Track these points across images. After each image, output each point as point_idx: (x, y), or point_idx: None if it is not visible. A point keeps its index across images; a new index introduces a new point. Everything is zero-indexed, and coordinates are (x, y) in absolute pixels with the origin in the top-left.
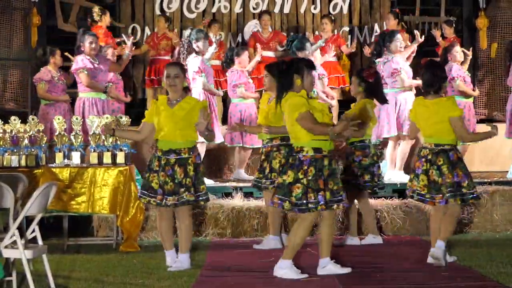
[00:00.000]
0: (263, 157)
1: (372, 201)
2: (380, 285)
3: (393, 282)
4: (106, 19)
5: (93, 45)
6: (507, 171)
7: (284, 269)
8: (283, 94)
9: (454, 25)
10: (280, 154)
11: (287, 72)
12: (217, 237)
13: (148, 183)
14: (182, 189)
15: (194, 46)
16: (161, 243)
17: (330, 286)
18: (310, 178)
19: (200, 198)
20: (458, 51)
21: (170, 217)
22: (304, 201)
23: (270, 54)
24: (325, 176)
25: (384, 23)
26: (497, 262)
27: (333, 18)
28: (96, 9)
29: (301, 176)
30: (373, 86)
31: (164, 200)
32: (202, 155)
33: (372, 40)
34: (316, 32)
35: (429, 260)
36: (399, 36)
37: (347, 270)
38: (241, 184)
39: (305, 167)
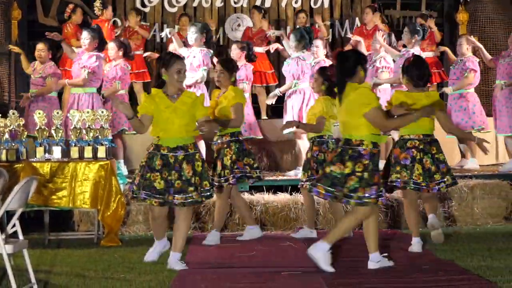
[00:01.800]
0: (215, 154)
1: None
2: (362, 278)
3: (375, 275)
4: (108, 13)
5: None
6: (487, 165)
7: (319, 252)
8: (345, 85)
9: (429, 19)
10: (231, 151)
11: (351, 63)
12: (198, 231)
13: (150, 183)
14: (191, 188)
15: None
16: (143, 236)
17: (313, 281)
18: (368, 171)
19: (203, 195)
20: None
21: (165, 215)
22: (360, 194)
23: (259, 50)
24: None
25: (363, 17)
26: (477, 256)
27: (308, 12)
28: (97, 3)
29: (358, 169)
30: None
31: (173, 200)
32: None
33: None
34: (317, 26)
35: (412, 248)
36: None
37: (391, 263)
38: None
39: (365, 161)
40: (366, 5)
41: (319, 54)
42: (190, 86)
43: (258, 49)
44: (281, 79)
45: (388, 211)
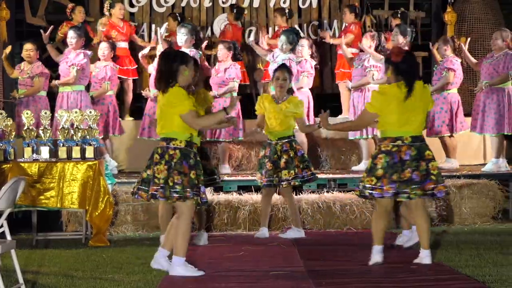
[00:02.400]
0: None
1: (342, 195)
2: (348, 278)
3: (362, 275)
4: (116, 12)
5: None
6: (476, 165)
7: (425, 258)
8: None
9: (400, 17)
10: None
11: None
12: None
13: (192, 180)
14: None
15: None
16: (131, 236)
17: (302, 281)
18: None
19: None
20: None
21: None
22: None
23: None
24: None
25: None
26: (465, 255)
27: (286, 11)
28: (106, 3)
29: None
30: None
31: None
32: None
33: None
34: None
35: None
36: None
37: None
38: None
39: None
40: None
41: (303, 54)
42: None
43: None
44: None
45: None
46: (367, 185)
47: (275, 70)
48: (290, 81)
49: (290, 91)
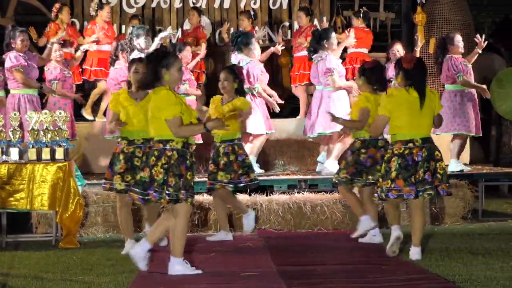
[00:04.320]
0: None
1: (312, 195)
2: (320, 278)
3: (334, 276)
4: (104, 14)
5: (25, 42)
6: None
7: (416, 254)
8: None
9: (362, 17)
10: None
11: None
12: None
13: (188, 181)
14: None
15: (135, 43)
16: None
17: (273, 281)
18: None
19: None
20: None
21: None
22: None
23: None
24: None
25: (298, 21)
26: (436, 255)
27: (252, 12)
28: (93, 4)
29: None
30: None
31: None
32: None
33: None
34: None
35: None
36: (334, 34)
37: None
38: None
39: None
40: (325, 7)
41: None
42: None
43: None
44: None
45: (346, 212)
46: (384, 188)
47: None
48: (236, 82)
49: (238, 92)
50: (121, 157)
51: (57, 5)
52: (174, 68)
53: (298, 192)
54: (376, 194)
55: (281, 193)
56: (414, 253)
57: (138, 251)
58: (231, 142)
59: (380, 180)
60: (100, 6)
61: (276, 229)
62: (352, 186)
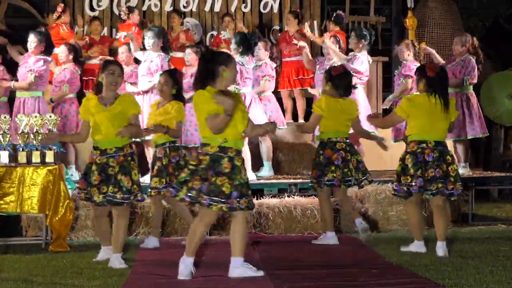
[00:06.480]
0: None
1: (303, 199)
2: (310, 282)
3: (324, 279)
4: (135, 17)
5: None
6: None
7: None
8: None
9: (333, 20)
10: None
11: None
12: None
13: (218, 187)
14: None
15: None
16: (91, 241)
17: (262, 285)
18: None
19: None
20: None
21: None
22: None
23: (179, 55)
24: None
25: (286, 24)
26: (426, 259)
27: (233, 16)
28: (123, 8)
29: None
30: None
31: (238, 204)
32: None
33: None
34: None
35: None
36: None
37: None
38: None
39: None
40: (316, 10)
41: (261, 56)
42: (146, 91)
43: (178, 54)
44: None
45: (337, 215)
46: (403, 183)
47: None
48: (174, 88)
49: (175, 98)
50: (94, 167)
51: (61, 5)
52: (232, 65)
53: (288, 196)
54: (395, 191)
55: (271, 197)
56: (439, 246)
57: (182, 269)
58: (163, 145)
59: (395, 177)
60: (132, 9)
61: (267, 233)
62: (330, 189)
